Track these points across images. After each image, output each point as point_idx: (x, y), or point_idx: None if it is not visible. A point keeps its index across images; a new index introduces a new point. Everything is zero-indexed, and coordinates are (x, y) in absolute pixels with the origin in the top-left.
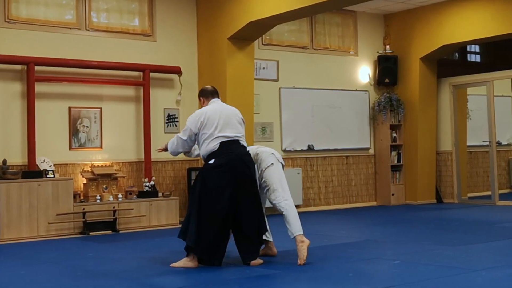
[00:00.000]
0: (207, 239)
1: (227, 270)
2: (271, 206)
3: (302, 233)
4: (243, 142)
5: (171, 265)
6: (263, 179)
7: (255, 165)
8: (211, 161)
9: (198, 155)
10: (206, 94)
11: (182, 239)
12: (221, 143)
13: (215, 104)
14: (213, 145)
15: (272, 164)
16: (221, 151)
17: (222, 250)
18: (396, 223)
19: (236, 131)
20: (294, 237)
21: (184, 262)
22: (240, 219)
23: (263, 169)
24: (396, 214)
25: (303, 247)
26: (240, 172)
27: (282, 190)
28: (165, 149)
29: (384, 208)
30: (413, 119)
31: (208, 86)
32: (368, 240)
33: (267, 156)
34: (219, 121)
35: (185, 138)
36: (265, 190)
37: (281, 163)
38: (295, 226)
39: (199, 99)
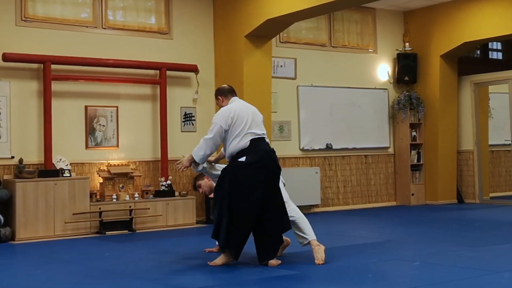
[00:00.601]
0: (238, 238)
1: (245, 271)
2: None
3: (316, 238)
4: (267, 138)
5: (210, 263)
6: None
7: None
8: (242, 159)
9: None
10: (225, 93)
11: (215, 239)
12: (251, 140)
13: (238, 102)
14: (244, 142)
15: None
16: (251, 149)
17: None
18: (416, 223)
19: (262, 129)
20: (309, 242)
21: (223, 258)
22: (264, 217)
23: None
24: (416, 214)
25: (320, 249)
26: (270, 169)
27: (289, 201)
28: (188, 165)
29: (403, 208)
30: (434, 118)
31: (225, 85)
32: (388, 240)
33: None
34: (248, 118)
35: (211, 135)
36: None
37: (283, 182)
38: (309, 231)
39: (218, 98)
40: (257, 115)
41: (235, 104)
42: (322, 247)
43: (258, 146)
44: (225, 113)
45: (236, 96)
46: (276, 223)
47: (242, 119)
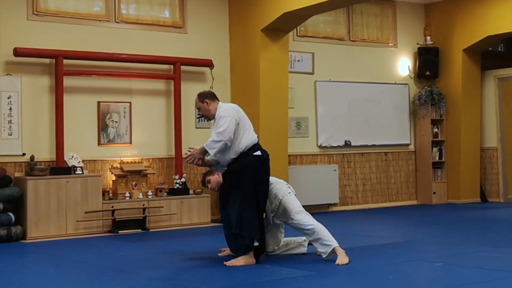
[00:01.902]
0: (263, 231)
1: (260, 272)
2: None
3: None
4: None
5: (227, 263)
6: (282, 206)
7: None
8: (257, 153)
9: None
10: (212, 97)
11: (245, 235)
12: (258, 143)
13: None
14: (255, 136)
15: (290, 192)
16: (259, 146)
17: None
18: (438, 223)
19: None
20: (333, 249)
21: (246, 259)
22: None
23: (282, 197)
24: (438, 213)
25: (344, 255)
26: (268, 169)
27: (302, 211)
28: (201, 157)
29: (425, 207)
30: (456, 114)
31: (208, 90)
32: (409, 241)
33: (283, 186)
34: (249, 123)
35: (225, 127)
36: (282, 217)
37: (292, 191)
38: (331, 237)
39: (205, 102)
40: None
41: (228, 104)
42: (347, 258)
43: (263, 149)
44: (233, 107)
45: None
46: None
47: (245, 115)
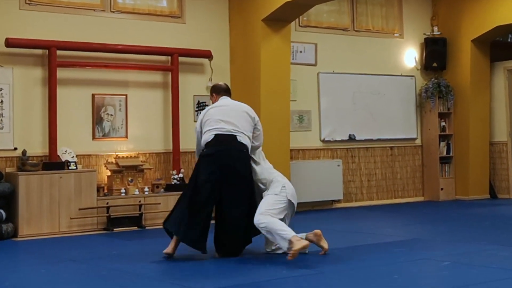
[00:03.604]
0: (195, 231)
1: (260, 271)
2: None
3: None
4: (242, 138)
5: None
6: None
7: (249, 166)
8: (205, 150)
9: None
10: (219, 90)
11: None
12: (216, 135)
13: (222, 100)
14: (209, 135)
15: (276, 194)
16: (214, 143)
17: (204, 237)
18: (445, 220)
19: (234, 127)
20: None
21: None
22: (223, 213)
23: (264, 195)
24: (445, 210)
25: (299, 240)
26: (225, 164)
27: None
28: None
29: (432, 203)
30: (464, 107)
31: (222, 83)
32: (416, 239)
33: (276, 187)
34: (219, 115)
35: (197, 137)
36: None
37: (293, 202)
38: (286, 228)
39: (212, 95)
40: (237, 112)
41: (216, 104)
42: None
43: (222, 142)
44: (200, 116)
45: (228, 95)
46: (234, 223)
47: (213, 116)
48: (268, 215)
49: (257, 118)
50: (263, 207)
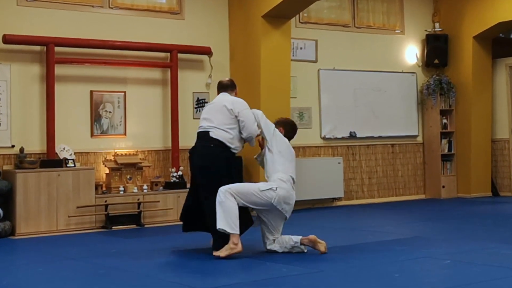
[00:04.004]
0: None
1: (260, 269)
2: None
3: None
4: (215, 133)
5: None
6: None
7: (223, 159)
8: None
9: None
10: (218, 88)
11: None
12: (197, 134)
13: (216, 97)
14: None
15: (259, 188)
16: (195, 142)
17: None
18: (447, 218)
19: (209, 123)
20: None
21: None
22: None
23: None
24: (447, 208)
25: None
26: (195, 162)
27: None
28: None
29: (434, 201)
30: (466, 104)
31: (224, 80)
32: (417, 237)
33: (268, 185)
34: (204, 113)
35: None
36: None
37: (278, 208)
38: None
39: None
40: (216, 107)
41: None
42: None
43: (198, 140)
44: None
45: (225, 91)
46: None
47: (201, 115)
48: (231, 194)
49: (238, 110)
50: (234, 186)
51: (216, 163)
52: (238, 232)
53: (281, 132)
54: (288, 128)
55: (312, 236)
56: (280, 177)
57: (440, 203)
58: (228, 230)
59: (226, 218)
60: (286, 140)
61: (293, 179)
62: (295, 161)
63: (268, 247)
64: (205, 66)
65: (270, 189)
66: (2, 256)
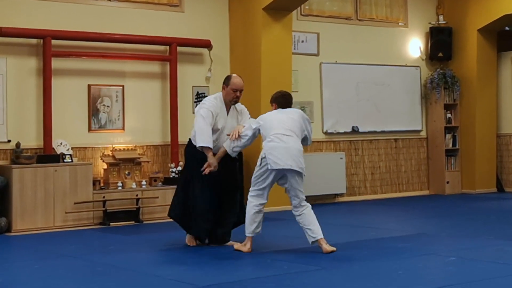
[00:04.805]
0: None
1: (262, 266)
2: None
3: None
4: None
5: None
6: None
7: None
8: None
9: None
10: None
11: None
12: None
13: None
14: None
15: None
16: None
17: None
18: (451, 214)
19: None
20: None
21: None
22: None
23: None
24: (451, 204)
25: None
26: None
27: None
28: None
29: (437, 197)
30: (470, 98)
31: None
32: (420, 233)
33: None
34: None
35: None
36: None
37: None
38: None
39: None
40: None
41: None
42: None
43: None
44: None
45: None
46: None
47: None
48: (250, 196)
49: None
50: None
51: (184, 158)
52: (249, 235)
53: (276, 108)
54: (280, 100)
55: (329, 248)
56: (276, 126)
57: (444, 199)
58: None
59: (246, 225)
60: (276, 116)
61: (294, 133)
62: (299, 121)
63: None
64: (205, 59)
65: (261, 159)
66: None
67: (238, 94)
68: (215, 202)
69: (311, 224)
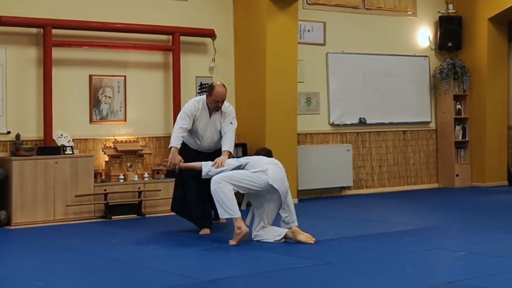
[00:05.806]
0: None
1: (266, 261)
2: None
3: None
4: None
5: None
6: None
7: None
8: None
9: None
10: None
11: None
12: None
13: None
14: None
15: (252, 172)
16: None
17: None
18: (461, 208)
19: None
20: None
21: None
22: None
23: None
24: (461, 198)
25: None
26: None
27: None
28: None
29: (447, 190)
30: (481, 89)
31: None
32: (429, 227)
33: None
34: None
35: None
36: None
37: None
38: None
39: None
40: None
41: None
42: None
43: None
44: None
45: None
46: None
47: None
48: (225, 181)
49: None
50: (227, 174)
51: None
52: (238, 215)
53: None
54: (263, 153)
55: (294, 228)
56: (266, 161)
57: (453, 192)
58: (228, 216)
59: (223, 206)
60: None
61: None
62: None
63: (255, 238)
64: (208, 49)
65: (259, 171)
66: None
67: (219, 104)
68: (203, 189)
69: (274, 228)
